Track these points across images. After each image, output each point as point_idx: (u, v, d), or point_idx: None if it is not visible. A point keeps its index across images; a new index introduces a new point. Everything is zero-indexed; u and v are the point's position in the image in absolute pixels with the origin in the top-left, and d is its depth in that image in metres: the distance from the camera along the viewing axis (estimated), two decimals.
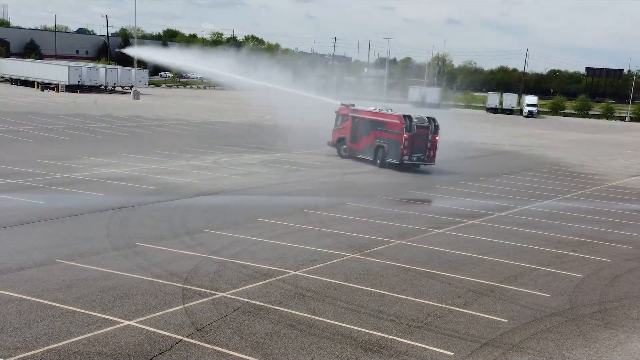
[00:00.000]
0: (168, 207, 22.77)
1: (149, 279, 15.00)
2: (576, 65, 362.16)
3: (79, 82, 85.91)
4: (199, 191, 25.88)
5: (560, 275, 17.41)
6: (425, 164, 34.67)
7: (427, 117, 34.88)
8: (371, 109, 37.48)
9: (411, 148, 33.85)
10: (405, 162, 34.09)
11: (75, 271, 15.28)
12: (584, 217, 25.30)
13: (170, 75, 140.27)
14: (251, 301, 13.98)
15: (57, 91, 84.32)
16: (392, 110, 37.16)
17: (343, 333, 12.66)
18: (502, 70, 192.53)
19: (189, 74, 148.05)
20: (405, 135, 33.64)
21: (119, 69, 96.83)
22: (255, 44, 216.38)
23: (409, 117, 34.22)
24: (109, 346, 11.46)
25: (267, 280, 15.38)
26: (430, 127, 34.28)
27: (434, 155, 34.53)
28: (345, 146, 38.05)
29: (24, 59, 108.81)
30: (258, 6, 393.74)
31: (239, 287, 14.82)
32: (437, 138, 34.33)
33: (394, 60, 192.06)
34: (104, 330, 12.10)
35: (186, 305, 13.54)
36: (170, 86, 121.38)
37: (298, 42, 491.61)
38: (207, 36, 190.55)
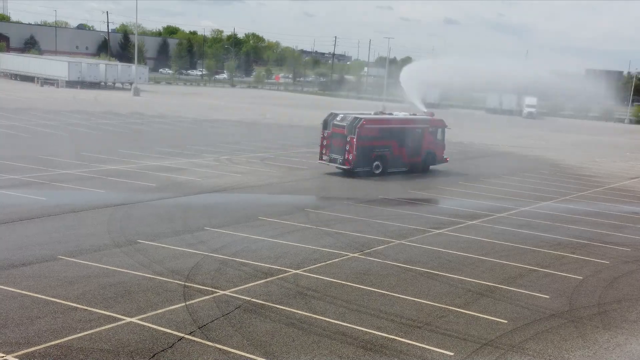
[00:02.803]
0: (169, 205, 22.82)
1: (151, 276, 15.05)
2: (576, 66, 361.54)
3: (78, 78, 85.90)
4: (200, 189, 25.93)
5: (560, 276, 17.48)
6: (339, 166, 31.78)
7: (355, 117, 31.56)
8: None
9: (329, 147, 31.79)
10: (324, 161, 32.20)
11: (77, 268, 15.34)
12: (583, 219, 25.37)
13: (171, 72, 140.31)
14: (252, 299, 14.03)
15: (57, 87, 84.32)
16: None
17: (344, 332, 12.73)
18: None
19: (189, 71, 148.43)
20: (323, 134, 32.12)
21: (119, 65, 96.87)
22: (255, 41, 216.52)
23: (333, 114, 32.35)
24: (110, 343, 11.51)
25: (268, 279, 15.44)
26: (346, 127, 31.12)
27: (352, 159, 31.00)
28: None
29: (24, 54, 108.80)
30: (256, 4, 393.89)
31: (240, 285, 14.88)
32: (353, 139, 30.79)
33: (394, 59, 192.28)
34: (106, 327, 12.15)
35: (187, 302, 13.60)
36: (170, 83, 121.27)
37: (298, 40, 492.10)
38: (207, 33, 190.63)
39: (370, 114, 34.01)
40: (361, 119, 31.32)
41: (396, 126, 33.42)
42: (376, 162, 32.20)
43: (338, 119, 31.80)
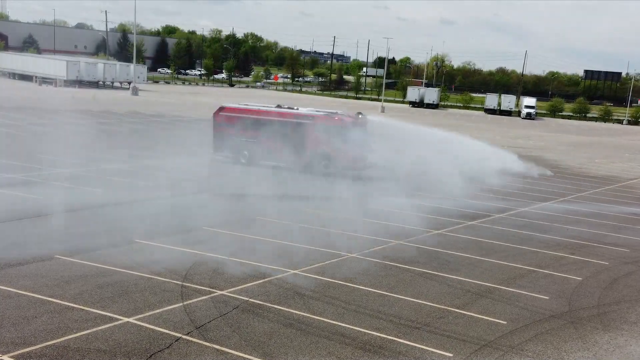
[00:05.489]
0: (167, 204, 22.71)
1: (148, 276, 14.96)
2: (574, 67, 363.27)
3: (77, 77, 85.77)
4: (197, 188, 25.83)
5: (559, 277, 17.42)
6: None
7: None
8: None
9: None
10: None
11: (74, 267, 15.24)
12: (582, 220, 25.32)
13: (169, 71, 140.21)
14: (250, 300, 13.95)
15: (56, 86, 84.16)
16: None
17: (342, 333, 12.65)
18: (501, 71, 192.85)
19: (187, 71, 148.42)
20: None
21: (118, 64, 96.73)
22: (254, 41, 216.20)
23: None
24: (107, 343, 11.43)
25: (266, 279, 15.36)
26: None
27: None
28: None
29: (23, 53, 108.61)
30: (254, 4, 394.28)
31: (237, 285, 14.79)
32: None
33: (393, 60, 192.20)
34: (103, 327, 12.07)
35: (185, 302, 13.52)
36: (168, 82, 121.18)
37: (297, 40, 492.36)
38: (206, 33, 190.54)
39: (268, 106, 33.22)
40: (221, 107, 33.01)
41: (256, 117, 31.59)
42: (244, 152, 32.07)
43: None
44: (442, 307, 14.47)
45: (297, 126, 31.16)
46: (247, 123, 31.72)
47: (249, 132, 31.73)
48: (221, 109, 32.94)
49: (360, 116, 32.12)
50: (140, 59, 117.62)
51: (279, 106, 33.49)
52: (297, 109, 33.26)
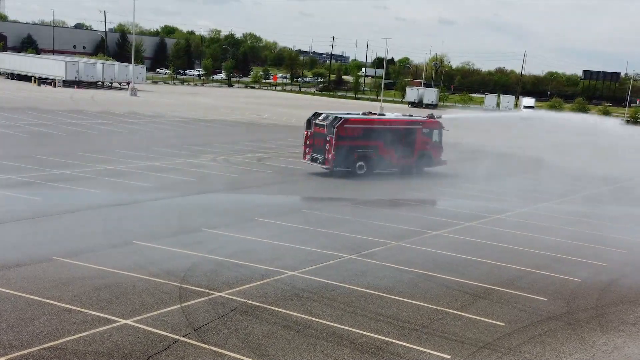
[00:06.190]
0: (165, 205, 22.71)
1: (146, 277, 14.95)
2: (574, 67, 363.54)
3: (76, 77, 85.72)
4: (196, 189, 25.82)
5: (557, 279, 17.42)
6: (321, 166, 31.40)
7: (335, 116, 31.21)
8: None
9: (312, 147, 31.76)
10: (306, 160, 32.11)
11: (72, 269, 15.23)
12: (581, 221, 25.31)
13: (168, 72, 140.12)
14: (248, 301, 13.94)
15: (54, 86, 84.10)
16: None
17: (340, 334, 12.65)
18: (500, 71, 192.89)
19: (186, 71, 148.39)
20: (305, 132, 32.15)
21: (117, 64, 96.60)
22: (253, 41, 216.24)
23: (316, 113, 32.26)
24: (105, 345, 11.41)
25: (264, 281, 15.35)
26: (326, 127, 30.81)
27: (331, 159, 30.67)
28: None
29: (21, 54, 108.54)
30: (253, 4, 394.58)
31: (236, 287, 14.78)
32: (332, 139, 30.53)
33: (392, 60, 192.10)
34: (101, 329, 12.05)
35: (183, 304, 13.50)
36: (167, 83, 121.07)
37: (296, 40, 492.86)
38: (205, 33, 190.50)
39: (357, 114, 33.48)
40: (341, 118, 30.99)
41: (381, 127, 32.61)
42: (360, 163, 31.73)
43: (320, 118, 31.60)
44: (440, 308, 14.46)
45: (409, 132, 33.93)
46: (369, 133, 31.90)
47: (369, 141, 31.93)
48: (345, 121, 30.87)
49: (435, 116, 35.81)
50: (139, 59, 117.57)
51: (367, 113, 34.49)
52: (384, 114, 36.07)
